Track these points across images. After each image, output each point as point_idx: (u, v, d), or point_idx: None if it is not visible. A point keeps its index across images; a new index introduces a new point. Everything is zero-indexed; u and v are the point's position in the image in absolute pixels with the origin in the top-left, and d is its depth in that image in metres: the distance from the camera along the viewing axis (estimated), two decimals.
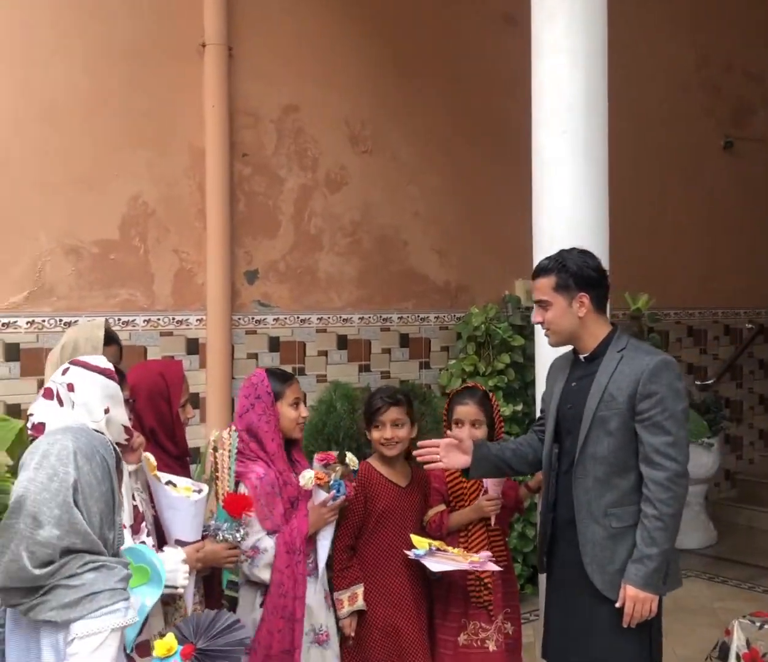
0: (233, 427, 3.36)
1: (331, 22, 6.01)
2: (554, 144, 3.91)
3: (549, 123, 3.93)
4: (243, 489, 3.34)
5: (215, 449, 3.29)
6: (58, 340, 4.95)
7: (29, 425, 2.72)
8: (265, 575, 3.35)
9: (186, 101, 5.44)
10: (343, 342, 6.10)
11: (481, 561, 3.48)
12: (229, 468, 3.28)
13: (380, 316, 6.31)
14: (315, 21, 5.94)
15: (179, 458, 3.28)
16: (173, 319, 5.41)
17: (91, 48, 5.12)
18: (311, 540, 3.42)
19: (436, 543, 3.53)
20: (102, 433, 2.39)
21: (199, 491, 3.08)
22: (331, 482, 3.37)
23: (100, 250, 5.17)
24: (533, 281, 3.22)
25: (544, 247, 3.82)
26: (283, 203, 5.87)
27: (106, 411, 2.73)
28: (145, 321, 5.31)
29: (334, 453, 3.46)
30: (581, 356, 3.22)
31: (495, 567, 3.52)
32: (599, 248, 3.94)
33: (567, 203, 3.92)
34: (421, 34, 6.40)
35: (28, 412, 2.73)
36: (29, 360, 4.88)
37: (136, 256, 5.30)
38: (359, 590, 3.53)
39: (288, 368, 5.78)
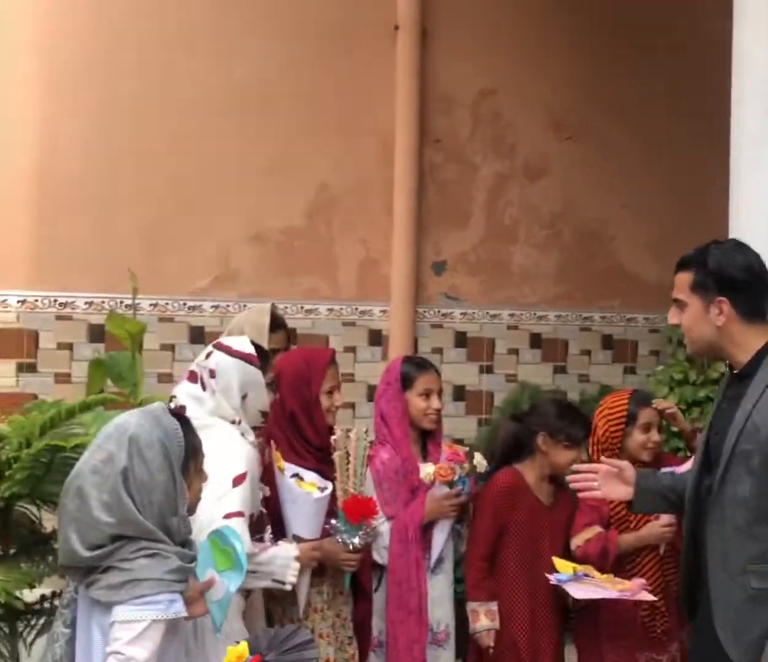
0: (365, 429, 3.22)
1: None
2: (756, 126, 3.36)
3: (751, 101, 3.38)
4: (367, 471, 3.27)
5: (335, 448, 3.14)
6: None
7: (171, 406, 2.70)
8: (379, 558, 3.26)
9: (377, 86, 5.32)
10: (536, 340, 5.73)
11: (633, 589, 3.06)
12: (356, 470, 3.11)
13: (580, 315, 5.86)
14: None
15: (320, 449, 3.15)
16: (356, 309, 5.30)
17: (283, 30, 5.13)
18: (427, 534, 3.27)
19: (581, 568, 3.15)
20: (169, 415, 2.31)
21: (324, 488, 2.97)
22: (456, 478, 3.21)
23: (285, 237, 5.17)
24: (675, 275, 2.69)
25: None
26: (476, 192, 5.61)
27: (244, 397, 2.81)
28: (328, 310, 5.24)
29: (464, 453, 3.30)
30: (735, 371, 2.64)
31: (649, 597, 3.09)
32: None
33: None
34: (630, 10, 5.85)
35: (173, 393, 2.82)
36: None
37: (322, 244, 5.25)
38: (495, 607, 3.26)
39: (475, 366, 5.55)
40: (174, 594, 2.15)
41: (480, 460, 3.31)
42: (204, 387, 2.79)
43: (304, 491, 2.93)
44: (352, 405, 5.20)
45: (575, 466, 3.05)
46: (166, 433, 2.23)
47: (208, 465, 2.48)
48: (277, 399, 3.09)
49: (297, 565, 2.78)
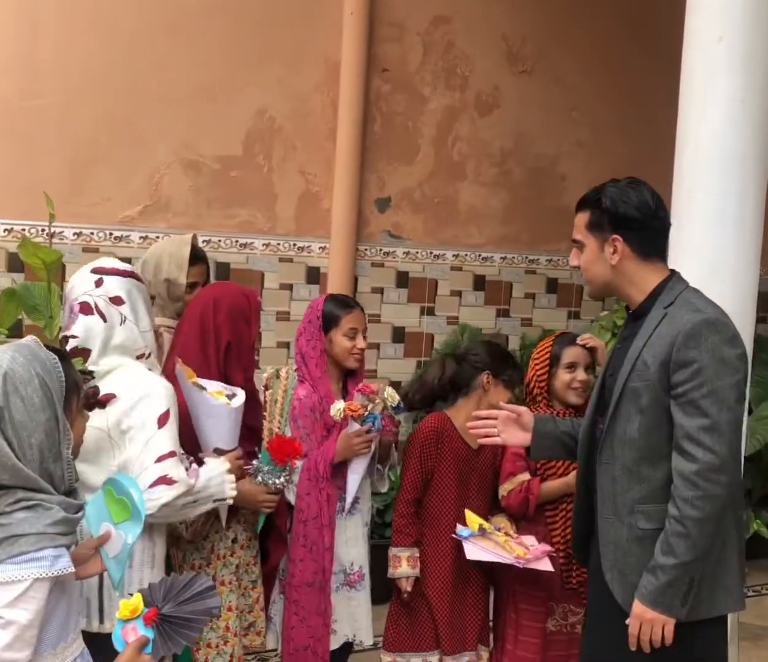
0: (294, 368, 3.17)
1: None
2: (705, 63, 3.21)
3: (704, 28, 3.22)
4: None
5: (266, 387, 3.06)
6: None
7: (68, 348, 2.57)
8: (292, 497, 3.24)
9: (323, 8, 5.01)
10: (480, 282, 5.58)
11: (529, 556, 3.06)
12: (282, 409, 3.03)
13: (526, 257, 5.72)
14: None
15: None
16: (294, 244, 5.09)
17: None
18: (342, 473, 3.25)
19: (493, 522, 3.22)
20: (53, 352, 2.10)
21: (232, 395, 2.86)
22: (366, 414, 3.15)
23: (221, 166, 4.91)
24: (575, 216, 2.66)
25: (684, 183, 3.25)
26: (424, 125, 5.37)
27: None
28: (264, 245, 5.02)
29: (375, 387, 3.22)
30: (630, 310, 2.64)
31: (548, 567, 3.10)
32: (755, 184, 3.28)
33: (717, 128, 3.21)
34: None
35: (65, 334, 2.62)
36: None
37: (260, 175, 5.00)
38: (417, 554, 3.29)
39: (416, 307, 5.40)
40: (58, 549, 1.96)
41: (391, 393, 3.24)
42: (104, 317, 2.58)
43: (221, 403, 2.80)
44: (286, 344, 5.05)
45: (475, 413, 3.05)
46: (44, 368, 2.01)
47: (128, 410, 2.41)
48: (209, 327, 2.98)
49: (233, 477, 2.70)
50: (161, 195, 4.80)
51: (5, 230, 4.51)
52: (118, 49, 4.60)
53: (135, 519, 2.17)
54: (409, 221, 5.37)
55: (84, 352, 2.56)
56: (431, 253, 5.43)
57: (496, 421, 2.88)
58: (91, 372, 2.49)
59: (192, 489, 2.57)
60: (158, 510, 2.48)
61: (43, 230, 4.55)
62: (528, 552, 3.09)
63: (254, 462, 3.00)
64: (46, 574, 1.92)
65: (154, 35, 4.67)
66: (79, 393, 2.14)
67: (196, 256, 3.53)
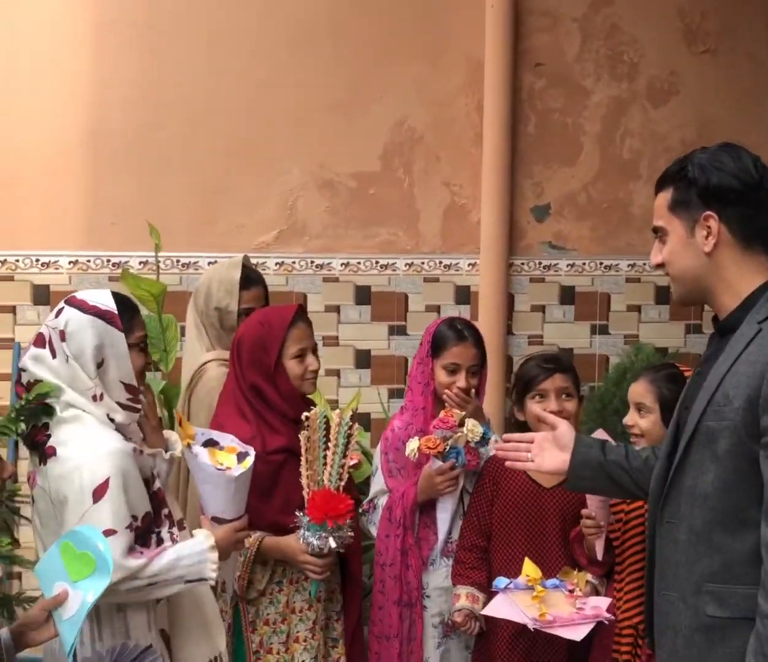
0: (349, 414, 2.70)
1: None
2: None
3: None
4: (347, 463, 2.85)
5: (306, 427, 2.65)
6: (309, 283, 4.60)
7: (23, 381, 2.34)
8: (374, 532, 3.01)
9: (463, 4, 4.61)
10: (663, 295, 4.83)
11: (550, 618, 2.43)
12: (333, 461, 2.60)
13: None
14: None
15: (298, 422, 2.71)
16: (440, 262, 4.66)
17: None
18: (432, 515, 2.93)
19: (534, 575, 2.60)
20: None
21: (246, 454, 2.46)
22: (447, 449, 2.78)
23: (358, 184, 4.59)
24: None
25: None
26: (587, 121, 4.77)
27: (99, 364, 2.30)
28: (407, 265, 4.63)
29: (455, 419, 2.77)
30: (718, 321, 2.00)
31: (574, 636, 2.43)
32: None
33: None
34: None
35: (20, 365, 2.37)
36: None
37: (400, 190, 4.63)
38: (479, 594, 2.83)
39: (586, 325, 4.79)
40: None
41: (472, 427, 2.79)
42: (54, 354, 2.29)
43: (219, 472, 2.42)
44: None
45: (506, 436, 2.49)
46: None
47: (65, 476, 2.14)
48: (238, 374, 2.74)
49: (215, 557, 2.28)
50: (296, 218, 4.57)
51: (141, 262, 4.45)
52: (241, 71, 4.45)
53: (100, 572, 1.98)
54: (573, 230, 4.77)
55: (33, 386, 2.29)
56: (601, 263, 4.78)
57: (531, 444, 2.32)
58: (51, 411, 2.25)
59: (138, 573, 2.19)
60: None
61: (177, 261, 4.46)
62: (564, 614, 2.48)
63: (298, 514, 2.65)
64: None
65: (277, 52, 4.47)
66: None
67: (249, 279, 3.26)
